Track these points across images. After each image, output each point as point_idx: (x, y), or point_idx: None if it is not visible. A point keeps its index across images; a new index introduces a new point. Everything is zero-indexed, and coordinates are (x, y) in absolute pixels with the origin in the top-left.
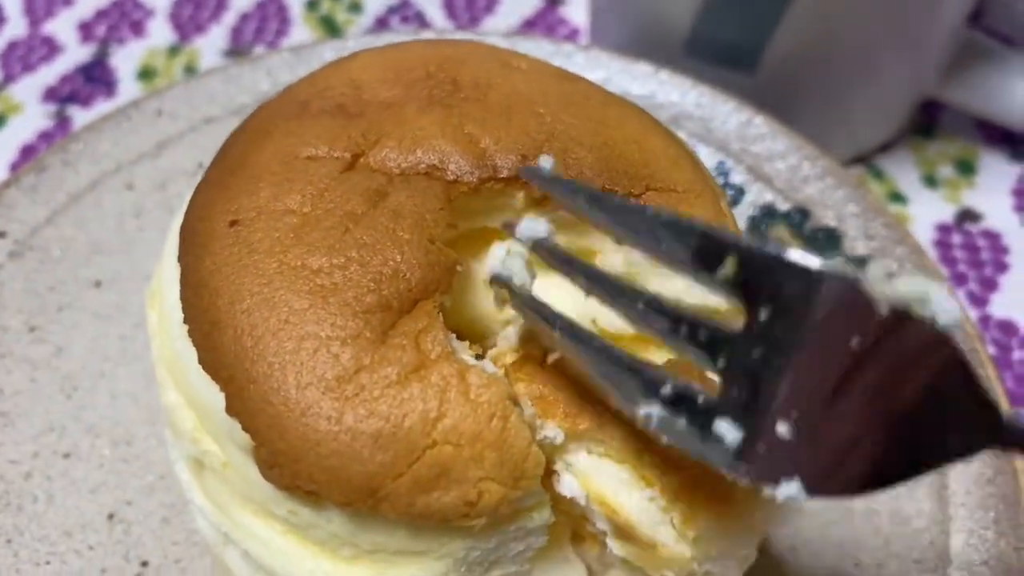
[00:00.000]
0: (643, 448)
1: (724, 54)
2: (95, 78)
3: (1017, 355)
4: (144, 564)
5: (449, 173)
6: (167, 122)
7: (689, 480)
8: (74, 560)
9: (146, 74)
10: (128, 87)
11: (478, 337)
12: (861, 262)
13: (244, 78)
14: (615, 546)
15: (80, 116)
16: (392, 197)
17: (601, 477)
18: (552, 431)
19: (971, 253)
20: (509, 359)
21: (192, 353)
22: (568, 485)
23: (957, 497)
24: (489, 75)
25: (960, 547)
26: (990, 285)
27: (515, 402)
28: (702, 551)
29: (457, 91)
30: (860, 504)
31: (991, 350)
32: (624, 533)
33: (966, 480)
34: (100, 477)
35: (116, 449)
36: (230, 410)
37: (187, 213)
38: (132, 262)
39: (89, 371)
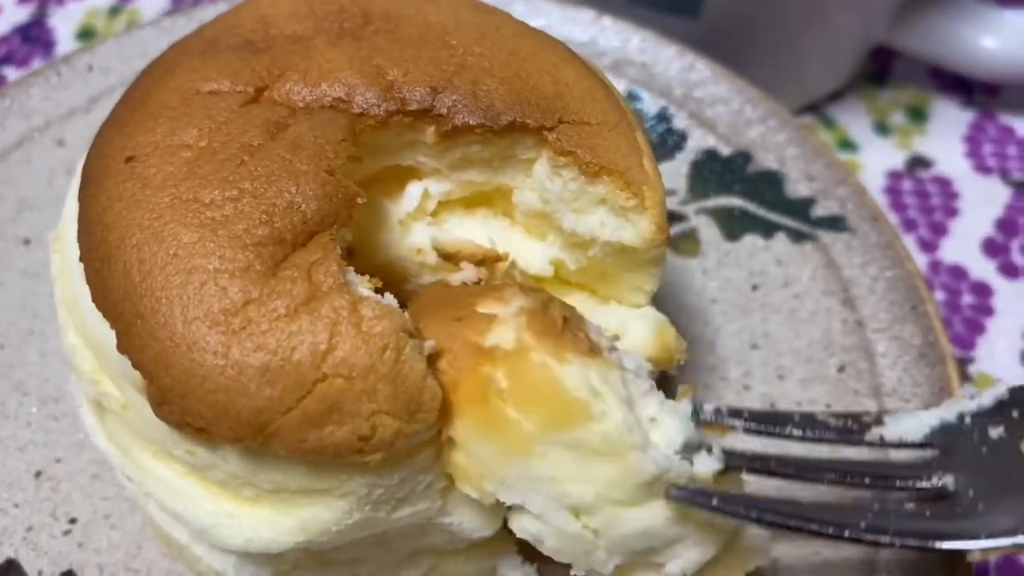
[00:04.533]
0: None
1: None
2: (32, 38)
3: (966, 299)
4: (72, 521)
5: (355, 106)
6: (99, 77)
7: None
8: None
9: (85, 34)
10: (67, 48)
11: (396, 280)
12: (805, 203)
13: (178, 31)
14: None
15: (16, 77)
16: (292, 129)
17: None
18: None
19: (922, 199)
20: None
21: (87, 291)
22: None
23: None
24: (401, 7)
25: None
26: (940, 231)
27: (410, 334)
28: (480, 464)
29: (368, 23)
30: None
31: (940, 295)
32: None
33: None
34: (28, 435)
35: (44, 407)
36: (120, 347)
37: (88, 152)
38: None
39: (17, 329)
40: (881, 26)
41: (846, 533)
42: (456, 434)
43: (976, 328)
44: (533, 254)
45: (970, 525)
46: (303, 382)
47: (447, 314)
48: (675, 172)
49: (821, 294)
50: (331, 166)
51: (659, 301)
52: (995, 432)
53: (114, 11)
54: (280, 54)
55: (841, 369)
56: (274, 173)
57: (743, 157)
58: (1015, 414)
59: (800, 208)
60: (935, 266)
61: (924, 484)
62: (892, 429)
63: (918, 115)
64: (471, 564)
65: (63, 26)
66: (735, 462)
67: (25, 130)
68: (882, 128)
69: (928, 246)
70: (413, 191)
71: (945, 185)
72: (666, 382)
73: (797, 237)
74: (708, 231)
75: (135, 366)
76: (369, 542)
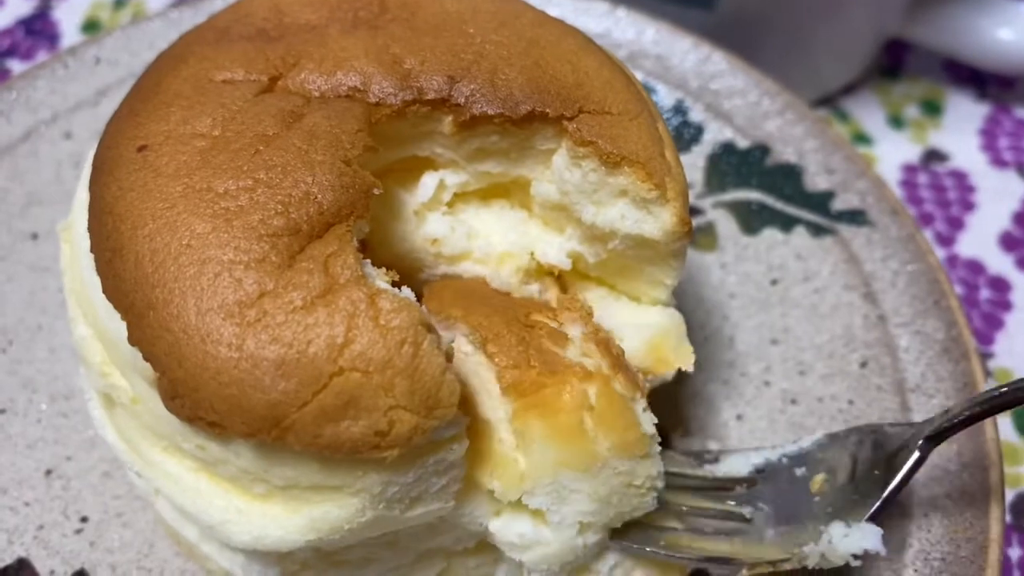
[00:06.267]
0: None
1: None
2: (36, 31)
3: (984, 294)
4: (84, 520)
5: (371, 95)
6: (106, 69)
7: (540, 399)
8: (9, 517)
9: (91, 27)
10: (72, 41)
11: (408, 271)
12: (824, 197)
13: (185, 23)
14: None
15: (20, 70)
16: (307, 119)
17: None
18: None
19: (938, 193)
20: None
21: (98, 282)
22: None
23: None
24: None
25: None
26: (957, 224)
27: (428, 328)
28: (534, 465)
29: (384, 12)
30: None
31: (958, 290)
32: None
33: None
34: (37, 432)
35: (54, 404)
36: (131, 339)
37: (99, 142)
38: None
39: (26, 324)
40: (895, 19)
41: (647, 550)
42: (527, 431)
43: (994, 323)
44: (551, 247)
45: (747, 549)
46: (319, 376)
47: (508, 316)
48: (692, 165)
49: (842, 288)
50: (347, 156)
51: (677, 296)
52: (799, 472)
53: (119, 3)
54: (294, 43)
55: (863, 364)
56: (290, 163)
57: (761, 150)
58: (819, 455)
59: (819, 201)
60: (952, 260)
61: (729, 511)
62: (723, 466)
63: (932, 108)
64: (481, 569)
65: (67, 19)
66: None
67: (32, 123)
68: (896, 121)
69: (945, 240)
70: (428, 182)
71: (961, 179)
72: (683, 380)
73: (817, 231)
74: (726, 225)
75: (146, 358)
76: (380, 543)
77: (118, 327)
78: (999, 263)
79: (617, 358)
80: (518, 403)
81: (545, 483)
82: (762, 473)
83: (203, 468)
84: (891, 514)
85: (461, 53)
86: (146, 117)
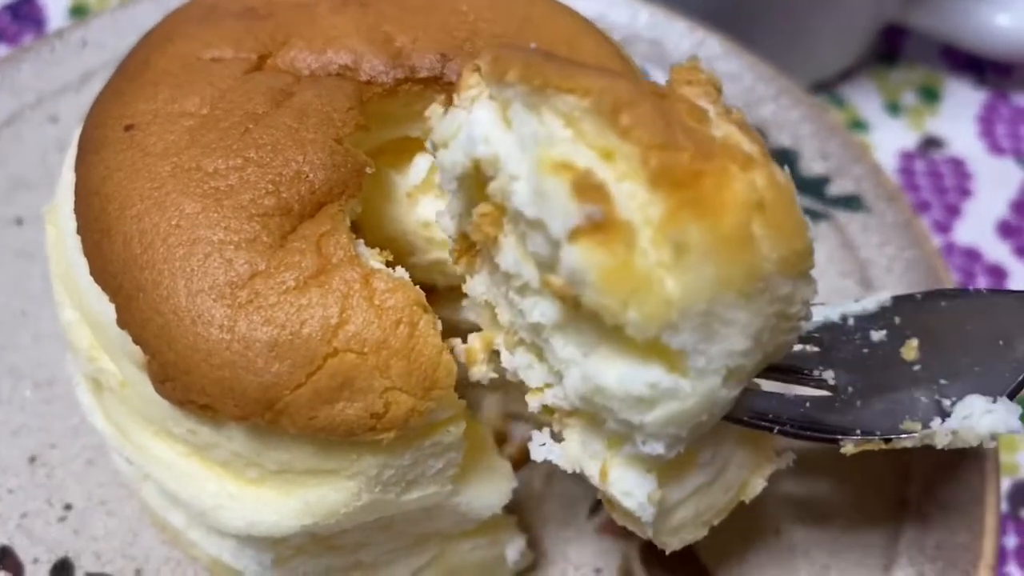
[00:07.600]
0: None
1: None
2: (23, 16)
3: (981, 282)
4: (68, 507)
5: (362, 73)
6: (93, 52)
7: (699, 194)
8: None
9: (78, 12)
10: (59, 26)
11: (401, 254)
12: (820, 182)
13: (174, 5)
14: (571, 252)
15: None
16: (298, 97)
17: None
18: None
19: (935, 180)
20: None
21: (85, 264)
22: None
23: None
24: None
25: None
26: (954, 212)
27: (424, 308)
28: (688, 287)
29: None
30: None
31: (955, 278)
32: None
33: None
34: (21, 419)
35: (38, 391)
36: (120, 322)
37: (85, 122)
38: None
39: (10, 310)
40: (893, 4)
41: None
42: (684, 238)
43: None
44: None
45: (846, 420)
46: (313, 357)
47: (631, 80)
48: None
49: (837, 275)
50: (339, 135)
51: None
52: (877, 335)
53: None
54: (283, 21)
55: None
56: (280, 142)
57: None
58: (897, 320)
59: (815, 187)
60: (949, 248)
61: (807, 375)
62: None
63: (930, 95)
64: (476, 552)
65: (54, 3)
66: None
67: (16, 107)
68: (893, 108)
69: (942, 228)
70: (421, 164)
71: (958, 166)
72: None
73: (812, 216)
74: None
75: (136, 341)
76: (375, 526)
77: (106, 310)
78: (996, 251)
79: (762, 143)
80: (672, 199)
81: (697, 312)
82: (826, 334)
83: (194, 453)
84: (887, 498)
85: (454, 31)
86: (132, 96)
